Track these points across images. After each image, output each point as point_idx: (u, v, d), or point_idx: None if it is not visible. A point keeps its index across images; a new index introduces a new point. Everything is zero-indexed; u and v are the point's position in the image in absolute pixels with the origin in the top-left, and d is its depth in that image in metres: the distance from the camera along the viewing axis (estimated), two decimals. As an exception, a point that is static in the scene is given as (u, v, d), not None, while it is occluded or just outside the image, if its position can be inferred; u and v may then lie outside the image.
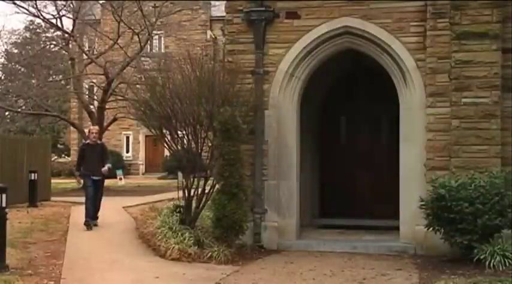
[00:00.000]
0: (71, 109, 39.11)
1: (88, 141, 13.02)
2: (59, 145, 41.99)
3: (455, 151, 10.06)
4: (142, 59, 27.67)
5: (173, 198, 13.18)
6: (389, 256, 10.16)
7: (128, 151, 39.50)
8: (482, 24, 10.00)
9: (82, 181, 12.99)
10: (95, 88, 30.62)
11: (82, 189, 13.55)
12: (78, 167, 13.16)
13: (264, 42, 11.11)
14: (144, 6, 25.62)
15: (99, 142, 13.13)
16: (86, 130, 30.24)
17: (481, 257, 8.68)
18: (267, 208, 11.04)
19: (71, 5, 26.67)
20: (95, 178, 12.54)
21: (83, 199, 17.65)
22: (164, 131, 11.12)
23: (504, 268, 8.42)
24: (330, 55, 11.30)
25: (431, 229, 9.46)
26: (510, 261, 8.52)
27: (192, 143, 10.92)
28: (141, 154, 39.98)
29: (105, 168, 12.60)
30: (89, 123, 28.77)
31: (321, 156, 13.85)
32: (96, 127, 14.31)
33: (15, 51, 36.52)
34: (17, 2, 25.53)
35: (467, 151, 9.99)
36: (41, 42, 33.35)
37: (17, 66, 34.32)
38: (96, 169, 12.49)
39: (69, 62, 27.68)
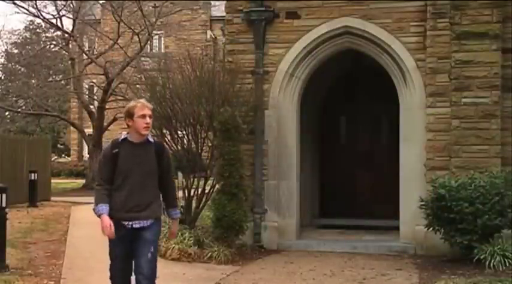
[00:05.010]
0: (71, 109, 39.14)
1: (125, 136, 5.59)
2: (59, 145, 42.05)
3: (455, 151, 10.06)
4: (142, 59, 27.73)
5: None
6: (389, 256, 10.16)
7: (128, 151, 39.43)
8: (482, 24, 10.00)
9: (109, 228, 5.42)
10: (95, 88, 30.68)
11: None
12: (100, 196, 5.49)
13: (264, 42, 11.10)
14: (144, 6, 25.66)
15: (151, 139, 5.64)
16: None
17: (481, 257, 8.67)
18: (267, 208, 11.04)
19: (71, 5, 26.73)
20: (137, 225, 5.49)
21: (83, 199, 17.53)
22: (164, 131, 11.12)
23: (504, 268, 8.41)
24: (330, 55, 11.29)
25: (431, 229, 9.46)
26: (510, 261, 8.51)
27: (192, 143, 10.92)
28: (141, 154, 39.89)
29: (175, 220, 5.97)
30: (89, 123, 28.86)
31: (321, 156, 13.85)
32: (150, 107, 5.57)
33: (15, 51, 36.50)
34: (17, 2, 25.64)
35: (467, 151, 9.99)
36: (41, 42, 33.37)
37: (17, 66, 34.33)
38: (144, 203, 5.50)
39: (69, 62, 27.76)
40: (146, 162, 5.53)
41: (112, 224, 5.39)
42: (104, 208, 5.46)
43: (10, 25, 75.39)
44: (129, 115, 5.51)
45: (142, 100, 5.68)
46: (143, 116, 5.46)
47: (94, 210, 5.48)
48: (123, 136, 5.61)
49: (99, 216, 5.45)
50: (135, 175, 5.48)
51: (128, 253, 5.54)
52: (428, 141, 10.33)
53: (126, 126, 5.55)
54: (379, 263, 9.51)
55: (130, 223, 5.48)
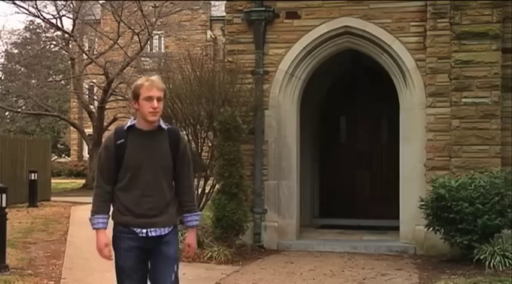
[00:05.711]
0: (71, 109, 39.19)
1: (132, 122, 4.37)
2: (59, 145, 42.09)
3: (455, 151, 10.06)
4: (142, 59, 27.77)
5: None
6: (389, 256, 10.15)
7: (127, 151, 39.40)
8: (482, 24, 10.00)
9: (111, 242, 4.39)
10: (95, 88, 30.70)
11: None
12: (98, 204, 4.36)
13: (264, 42, 11.10)
14: (144, 6, 25.68)
15: (164, 125, 4.39)
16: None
17: (481, 257, 8.67)
18: (267, 208, 11.04)
19: (71, 5, 26.76)
20: (153, 233, 4.29)
21: (83, 199, 17.55)
22: (164, 131, 11.11)
23: (504, 268, 8.40)
24: (330, 55, 11.29)
25: (431, 229, 9.46)
26: (510, 261, 8.51)
27: (192, 143, 10.92)
28: (141, 154, 39.86)
29: (192, 229, 4.54)
30: (89, 123, 28.90)
31: (321, 156, 13.86)
32: (160, 87, 4.31)
33: (15, 51, 36.55)
34: (17, 2, 25.68)
35: (467, 151, 9.99)
36: (41, 42, 33.41)
37: (17, 66, 34.38)
38: (160, 206, 4.32)
39: (69, 62, 27.82)
40: (159, 154, 4.33)
41: (110, 243, 4.34)
42: (101, 221, 4.33)
43: (10, 25, 75.56)
44: (135, 96, 4.32)
45: (153, 78, 4.37)
46: (149, 98, 4.24)
47: (90, 220, 4.36)
48: (129, 123, 4.39)
49: (95, 229, 4.35)
50: (146, 172, 4.28)
51: (141, 268, 4.35)
52: (428, 141, 10.32)
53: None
54: (379, 263, 9.50)
55: (144, 230, 4.28)
